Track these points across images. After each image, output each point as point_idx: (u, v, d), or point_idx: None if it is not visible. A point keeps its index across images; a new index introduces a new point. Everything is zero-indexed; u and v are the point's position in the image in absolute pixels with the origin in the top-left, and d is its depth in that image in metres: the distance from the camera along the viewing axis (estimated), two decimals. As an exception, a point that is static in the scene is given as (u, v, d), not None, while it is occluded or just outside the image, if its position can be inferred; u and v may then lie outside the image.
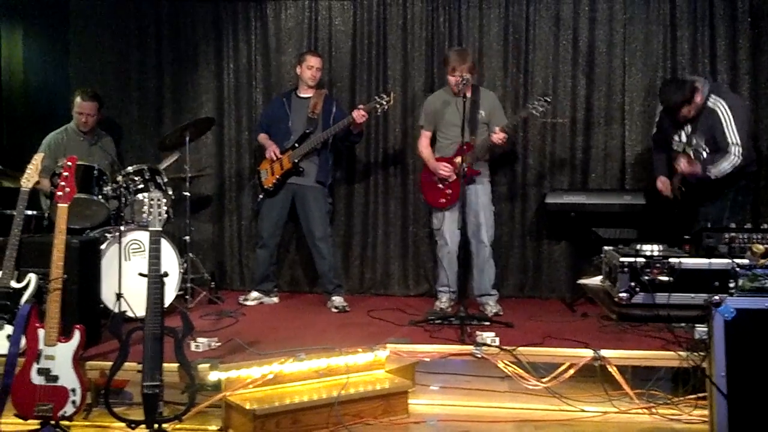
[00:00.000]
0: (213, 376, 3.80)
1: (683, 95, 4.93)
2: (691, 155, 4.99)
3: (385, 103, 5.43)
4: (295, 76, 5.85)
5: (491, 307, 5.38)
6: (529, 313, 5.30)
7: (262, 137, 5.83)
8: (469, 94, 5.19)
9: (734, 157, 4.80)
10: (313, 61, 5.70)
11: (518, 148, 6.09)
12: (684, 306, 4.47)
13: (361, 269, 6.36)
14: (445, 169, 5.32)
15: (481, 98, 5.37)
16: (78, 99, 5.66)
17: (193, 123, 5.66)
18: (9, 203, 4.91)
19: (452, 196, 5.31)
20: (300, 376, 4.02)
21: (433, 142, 5.56)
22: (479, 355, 4.17)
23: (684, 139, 5.03)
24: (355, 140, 5.86)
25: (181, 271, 5.28)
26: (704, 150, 4.95)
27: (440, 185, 5.37)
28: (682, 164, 4.97)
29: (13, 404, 3.56)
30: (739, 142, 4.80)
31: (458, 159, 5.24)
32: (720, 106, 4.87)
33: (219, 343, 4.25)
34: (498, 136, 5.14)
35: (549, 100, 5.20)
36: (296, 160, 5.55)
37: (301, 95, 5.74)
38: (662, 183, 5.25)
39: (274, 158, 5.61)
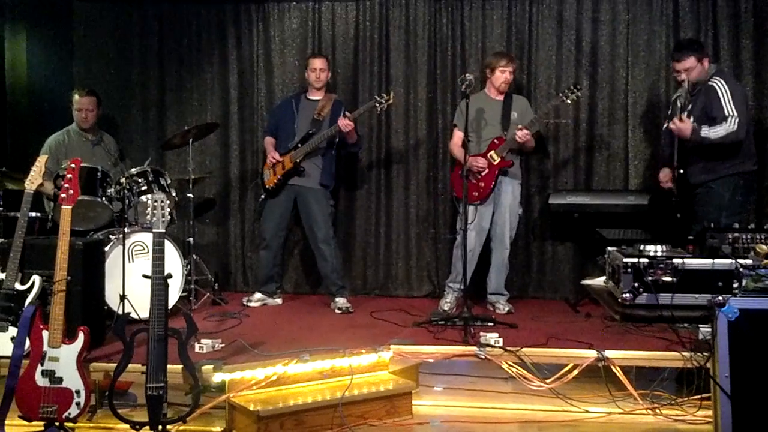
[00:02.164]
0: (217, 378, 3.80)
1: (694, 48, 5.03)
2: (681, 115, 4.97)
3: (384, 101, 5.44)
4: (299, 77, 5.85)
5: (503, 305, 5.43)
6: (532, 314, 5.30)
7: (268, 142, 5.84)
8: (501, 97, 5.52)
9: (732, 126, 4.78)
10: (315, 63, 5.71)
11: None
12: (687, 306, 4.46)
13: (364, 270, 6.36)
14: (478, 163, 5.34)
15: (513, 101, 5.55)
16: (75, 96, 5.71)
17: (196, 127, 5.67)
18: (13, 205, 4.93)
19: (484, 189, 5.36)
20: (304, 377, 4.02)
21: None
22: (483, 356, 4.17)
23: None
24: (354, 149, 5.89)
25: (185, 272, 5.29)
26: (696, 123, 4.92)
27: (473, 180, 5.37)
28: (673, 123, 4.92)
29: (18, 406, 3.56)
30: (736, 114, 4.79)
31: (491, 153, 5.35)
32: (718, 83, 4.89)
33: (223, 345, 4.25)
34: (521, 133, 5.24)
35: (580, 87, 5.35)
36: (298, 160, 5.56)
37: (310, 98, 5.76)
38: (663, 173, 5.25)
39: (273, 162, 5.62)
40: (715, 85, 4.90)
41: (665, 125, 5.33)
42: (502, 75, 5.43)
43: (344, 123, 5.42)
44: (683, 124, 4.85)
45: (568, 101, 5.35)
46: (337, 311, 5.52)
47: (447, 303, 5.45)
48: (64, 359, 3.57)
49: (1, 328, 3.91)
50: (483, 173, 5.37)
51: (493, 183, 5.38)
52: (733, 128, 4.78)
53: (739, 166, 4.92)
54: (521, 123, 5.40)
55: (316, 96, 5.74)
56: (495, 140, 5.39)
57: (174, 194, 5.48)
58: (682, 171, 5.03)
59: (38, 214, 5.20)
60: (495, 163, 5.36)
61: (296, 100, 5.81)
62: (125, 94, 6.61)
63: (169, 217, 3.71)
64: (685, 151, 4.98)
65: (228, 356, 4.06)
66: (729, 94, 4.84)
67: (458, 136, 5.50)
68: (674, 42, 5.82)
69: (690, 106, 4.97)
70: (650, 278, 4.54)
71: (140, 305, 4.45)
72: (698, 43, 5.24)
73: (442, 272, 6.10)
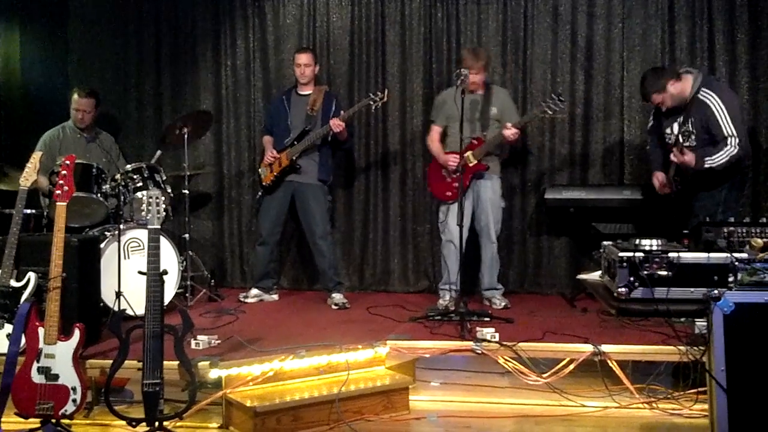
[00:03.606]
0: (213, 374, 3.80)
1: (652, 83, 4.96)
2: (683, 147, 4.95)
3: (378, 99, 5.43)
4: (293, 72, 5.84)
5: (499, 300, 5.43)
6: (529, 309, 5.30)
7: (266, 140, 5.84)
8: (481, 91, 5.39)
9: (732, 148, 4.75)
10: (300, 59, 5.68)
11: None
12: (683, 300, 4.46)
13: (361, 266, 6.36)
14: (453, 162, 5.32)
15: (493, 95, 5.44)
16: (75, 96, 5.69)
17: (191, 116, 5.64)
18: (8, 202, 4.92)
19: (457, 188, 5.32)
20: (300, 373, 4.02)
21: (443, 137, 5.57)
22: (479, 351, 4.17)
23: (675, 131, 5.00)
24: (345, 147, 5.88)
25: (181, 268, 5.28)
26: (695, 142, 4.89)
27: (447, 179, 5.38)
28: (677, 156, 4.92)
29: (14, 403, 3.56)
30: (735, 133, 4.75)
31: (467, 154, 5.29)
32: (711, 99, 4.82)
33: (219, 341, 4.25)
34: (510, 132, 5.18)
35: (563, 99, 5.22)
36: (294, 158, 5.55)
37: (301, 92, 5.74)
38: (658, 179, 5.23)
39: (271, 160, 5.61)
40: (707, 101, 4.81)
41: (650, 124, 5.33)
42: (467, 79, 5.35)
43: (335, 123, 5.41)
44: (687, 158, 4.80)
45: (550, 112, 5.18)
46: (333, 307, 5.52)
47: (445, 301, 5.43)
48: (60, 356, 3.57)
49: (-3, 325, 3.92)
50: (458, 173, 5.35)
51: (467, 184, 5.34)
52: (734, 150, 4.74)
53: (740, 163, 4.92)
54: (502, 119, 5.34)
55: (306, 90, 5.73)
56: (474, 140, 5.33)
57: (169, 190, 5.47)
58: (680, 187, 5.04)
59: (33, 211, 5.19)
60: (471, 165, 5.31)
61: (287, 96, 5.80)
62: (120, 90, 6.60)
63: (164, 213, 3.69)
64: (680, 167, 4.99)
65: (224, 352, 4.06)
66: (725, 111, 4.78)
67: (436, 131, 5.53)
68: (669, 36, 5.84)
69: (686, 123, 4.94)
70: (646, 272, 4.54)
71: (136, 302, 4.44)
72: (656, 72, 5.11)
73: (438, 268, 6.09)
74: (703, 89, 4.87)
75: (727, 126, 4.77)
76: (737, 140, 4.75)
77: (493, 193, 5.46)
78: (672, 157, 4.92)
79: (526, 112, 5.69)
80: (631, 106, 5.94)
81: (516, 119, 5.34)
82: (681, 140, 4.81)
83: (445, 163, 5.37)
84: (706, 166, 4.79)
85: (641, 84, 5.14)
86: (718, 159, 4.78)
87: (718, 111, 4.79)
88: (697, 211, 4.98)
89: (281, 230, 5.84)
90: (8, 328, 3.81)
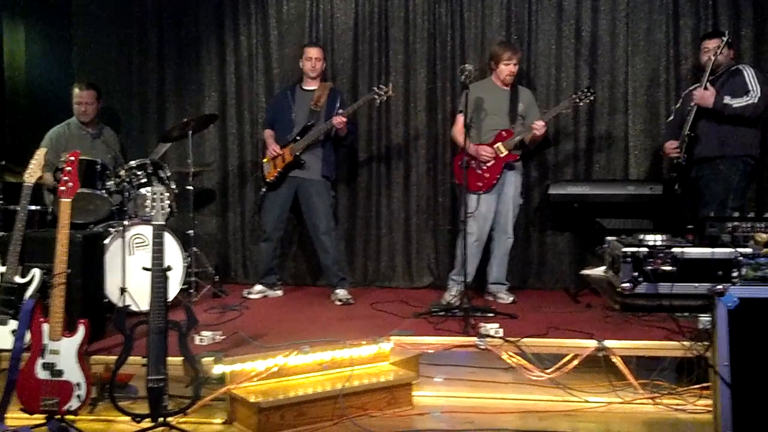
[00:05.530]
0: (217, 370, 3.81)
1: (725, 32, 5.16)
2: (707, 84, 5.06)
3: (383, 93, 5.44)
4: (298, 68, 5.85)
5: (506, 295, 5.45)
6: (532, 304, 5.30)
7: (267, 134, 5.83)
8: (508, 87, 5.51)
9: (753, 99, 4.92)
10: (311, 52, 5.69)
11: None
12: (687, 296, 4.47)
13: (364, 262, 6.37)
14: (486, 153, 5.33)
15: (519, 92, 5.54)
16: (75, 90, 5.73)
17: (195, 119, 5.65)
18: (12, 198, 4.93)
19: (489, 180, 5.37)
20: (304, 368, 4.02)
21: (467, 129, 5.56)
22: (483, 347, 4.17)
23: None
24: (346, 143, 5.88)
25: (185, 264, 5.29)
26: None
27: (477, 170, 5.37)
28: (699, 91, 5.00)
29: (19, 399, 3.56)
30: (759, 91, 4.92)
31: (498, 145, 5.33)
32: (744, 67, 5.08)
33: (223, 337, 4.26)
34: (539, 124, 5.28)
35: (594, 91, 5.37)
36: (297, 153, 5.55)
37: (306, 88, 5.74)
38: (669, 143, 5.28)
39: (274, 155, 5.62)
40: (741, 68, 5.07)
41: (670, 118, 5.35)
42: (507, 68, 5.42)
43: (338, 120, 5.42)
44: (707, 92, 4.95)
45: (582, 104, 5.38)
46: (337, 303, 5.52)
47: (451, 296, 5.41)
48: (65, 352, 3.57)
49: (1, 321, 3.93)
50: (489, 164, 5.36)
51: (499, 175, 5.37)
52: (754, 101, 4.89)
53: (747, 149, 5.01)
54: (527, 115, 5.43)
55: (311, 86, 5.73)
56: (503, 132, 5.38)
57: (173, 186, 5.48)
58: (693, 134, 5.05)
59: (38, 207, 5.20)
60: (502, 155, 5.36)
61: (291, 91, 5.79)
62: (124, 86, 6.62)
63: (168, 209, 3.70)
64: (699, 121, 5.05)
65: (228, 348, 4.06)
66: (754, 75, 5.00)
67: (462, 122, 5.48)
68: (674, 31, 5.85)
69: (714, 84, 5.06)
70: (650, 268, 4.54)
71: (140, 298, 4.46)
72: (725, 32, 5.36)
73: (443, 263, 6.11)
74: (741, 64, 5.16)
75: (753, 83, 4.95)
76: (759, 95, 4.91)
77: (515, 189, 5.51)
78: (693, 94, 5.03)
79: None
80: (636, 101, 5.93)
81: (538, 118, 5.42)
82: (707, 85, 4.99)
83: (477, 155, 5.36)
84: (724, 102, 4.92)
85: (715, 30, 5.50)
86: (737, 102, 4.93)
87: (748, 75, 5.03)
88: (709, 199, 4.98)
89: (285, 226, 5.85)
90: (13, 324, 3.84)
